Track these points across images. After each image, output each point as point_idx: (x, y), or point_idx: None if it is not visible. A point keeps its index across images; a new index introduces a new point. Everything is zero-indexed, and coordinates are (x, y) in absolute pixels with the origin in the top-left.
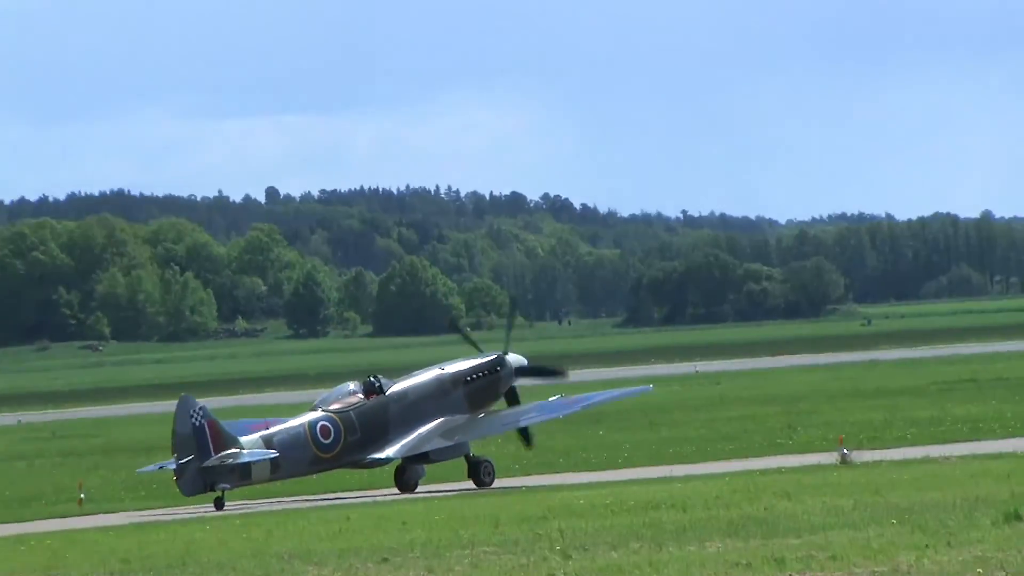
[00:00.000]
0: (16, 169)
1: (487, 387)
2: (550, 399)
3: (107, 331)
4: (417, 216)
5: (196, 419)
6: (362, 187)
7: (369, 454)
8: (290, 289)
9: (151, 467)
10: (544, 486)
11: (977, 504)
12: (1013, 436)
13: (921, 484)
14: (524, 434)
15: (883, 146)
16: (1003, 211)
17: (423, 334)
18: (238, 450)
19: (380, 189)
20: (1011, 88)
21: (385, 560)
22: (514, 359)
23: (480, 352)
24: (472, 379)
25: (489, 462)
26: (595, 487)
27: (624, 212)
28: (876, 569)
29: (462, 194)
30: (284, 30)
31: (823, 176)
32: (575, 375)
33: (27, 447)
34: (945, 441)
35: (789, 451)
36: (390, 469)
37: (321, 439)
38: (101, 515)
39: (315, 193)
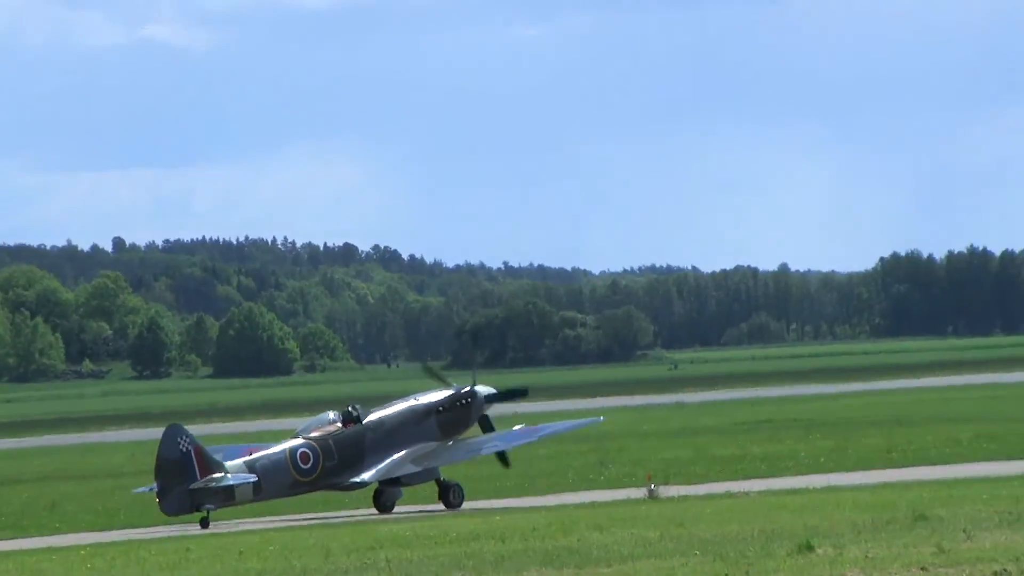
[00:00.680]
0: None
1: (458, 417)
2: (513, 428)
3: None
4: (255, 265)
5: (183, 445)
6: (204, 237)
7: (346, 478)
8: (134, 333)
9: (144, 488)
10: (374, 519)
11: (774, 536)
12: (807, 473)
13: (722, 517)
14: (501, 456)
15: (689, 204)
16: (798, 264)
17: (261, 376)
18: (223, 474)
19: (220, 239)
20: (806, 155)
21: None
22: (483, 390)
23: (450, 386)
24: (443, 409)
25: (458, 486)
26: (420, 519)
27: (449, 262)
28: None
29: (298, 244)
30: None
31: (634, 231)
32: None
33: None
34: (745, 477)
35: (601, 486)
36: (368, 492)
37: (301, 464)
38: None
39: (159, 243)
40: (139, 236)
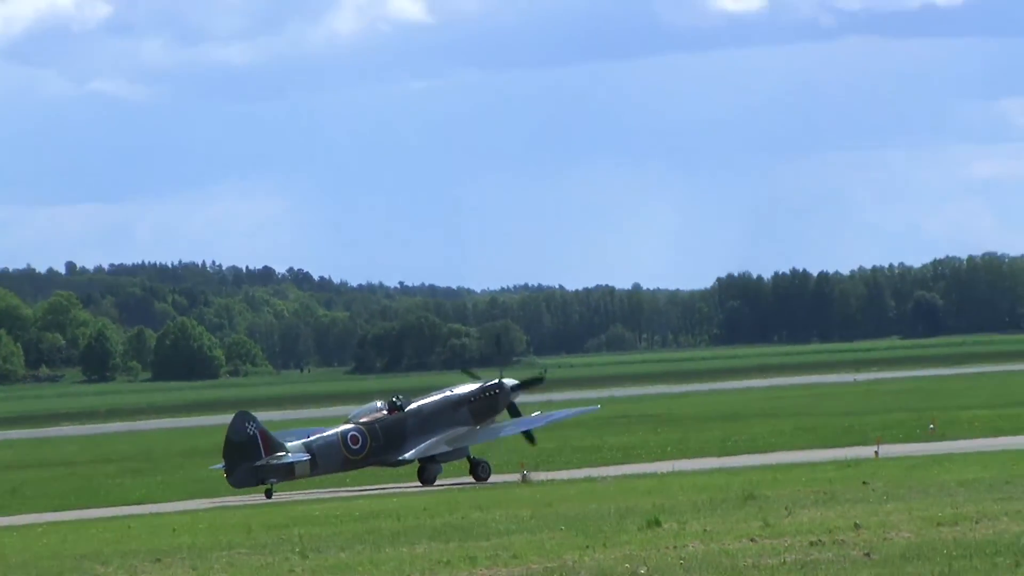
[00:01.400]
0: None
1: (487, 405)
2: (531, 415)
3: None
4: (187, 285)
5: (250, 429)
6: (143, 261)
7: (391, 457)
8: (84, 343)
9: (218, 466)
10: (292, 500)
11: (627, 513)
12: (655, 460)
13: (584, 498)
14: (528, 435)
15: (557, 231)
16: (649, 283)
17: (192, 379)
18: (284, 453)
19: (158, 263)
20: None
21: (158, 560)
22: (508, 382)
23: (480, 380)
24: (474, 399)
25: (486, 462)
26: (327, 501)
27: (353, 282)
28: (548, 565)
29: (224, 267)
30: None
31: (510, 254)
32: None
33: None
34: (603, 464)
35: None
36: (412, 467)
37: (351, 445)
38: None
39: (106, 266)
40: (88, 260)
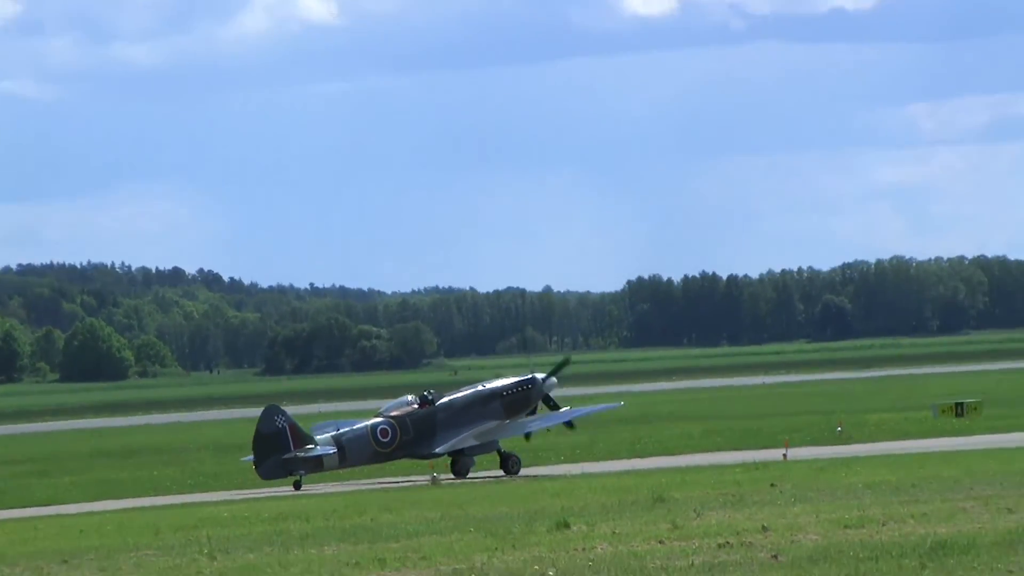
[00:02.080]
0: None
1: (520, 399)
2: (560, 410)
3: None
4: (97, 286)
5: (279, 422)
6: (52, 262)
7: (421, 450)
8: None
9: (248, 458)
10: (200, 502)
11: (536, 515)
12: (564, 462)
13: (493, 500)
14: (568, 424)
15: (468, 234)
16: (559, 286)
17: (101, 380)
18: (312, 446)
19: (66, 264)
20: (566, 194)
21: (65, 562)
22: (541, 376)
23: (516, 375)
24: (507, 394)
25: (516, 456)
26: (237, 503)
27: (263, 283)
28: (457, 567)
29: (133, 268)
30: None
31: (421, 257)
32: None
33: None
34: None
35: (392, 474)
36: (444, 461)
37: (380, 438)
38: None
39: (13, 267)
40: None
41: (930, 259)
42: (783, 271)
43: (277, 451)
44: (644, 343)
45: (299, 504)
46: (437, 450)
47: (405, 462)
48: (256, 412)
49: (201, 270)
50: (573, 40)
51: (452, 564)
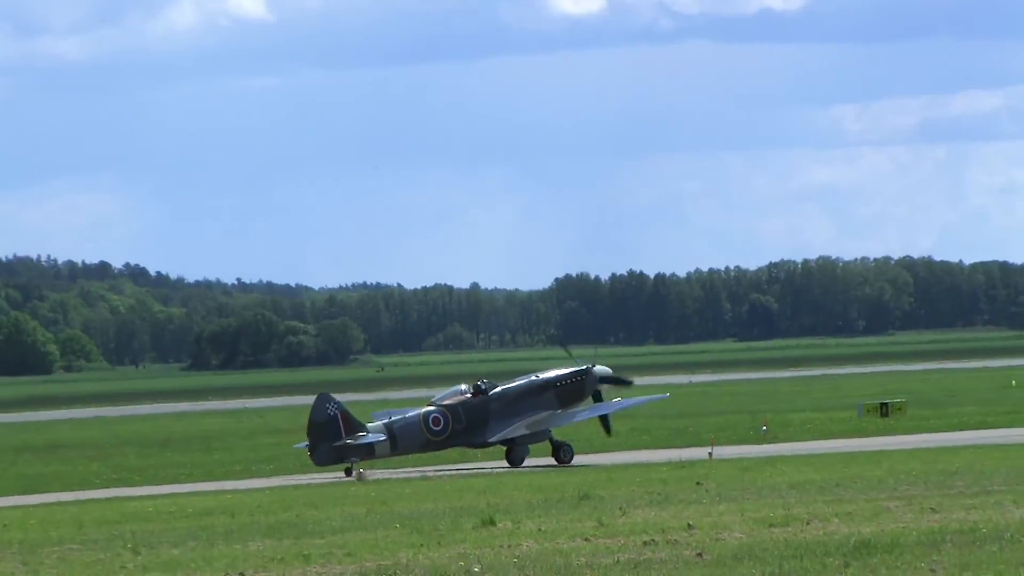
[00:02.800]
0: None
1: (573, 390)
2: (610, 401)
3: None
4: (21, 279)
5: (331, 410)
6: None
7: (474, 439)
8: None
9: (301, 444)
10: (125, 496)
11: (462, 512)
12: (489, 461)
13: (419, 496)
14: (605, 424)
15: (396, 231)
16: (487, 283)
17: (25, 374)
18: (364, 433)
19: None
20: (495, 192)
21: None
22: (600, 369)
23: (573, 364)
24: (561, 384)
25: (568, 445)
26: (160, 498)
27: (190, 278)
28: (382, 563)
29: (59, 262)
30: None
31: (349, 252)
32: (149, 409)
33: None
34: (438, 464)
35: (317, 471)
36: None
37: (432, 427)
38: None
39: None
40: None
41: (856, 259)
42: (710, 270)
43: (329, 438)
44: (571, 341)
45: (224, 500)
46: (488, 439)
47: (455, 451)
48: (180, 407)
49: (128, 264)
50: (503, 38)
51: (377, 560)
